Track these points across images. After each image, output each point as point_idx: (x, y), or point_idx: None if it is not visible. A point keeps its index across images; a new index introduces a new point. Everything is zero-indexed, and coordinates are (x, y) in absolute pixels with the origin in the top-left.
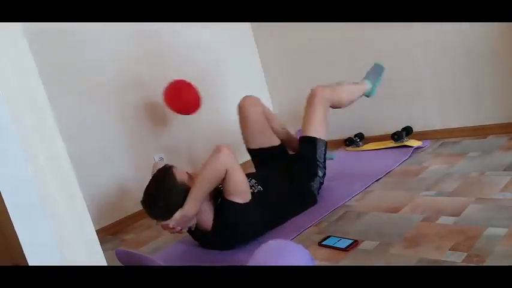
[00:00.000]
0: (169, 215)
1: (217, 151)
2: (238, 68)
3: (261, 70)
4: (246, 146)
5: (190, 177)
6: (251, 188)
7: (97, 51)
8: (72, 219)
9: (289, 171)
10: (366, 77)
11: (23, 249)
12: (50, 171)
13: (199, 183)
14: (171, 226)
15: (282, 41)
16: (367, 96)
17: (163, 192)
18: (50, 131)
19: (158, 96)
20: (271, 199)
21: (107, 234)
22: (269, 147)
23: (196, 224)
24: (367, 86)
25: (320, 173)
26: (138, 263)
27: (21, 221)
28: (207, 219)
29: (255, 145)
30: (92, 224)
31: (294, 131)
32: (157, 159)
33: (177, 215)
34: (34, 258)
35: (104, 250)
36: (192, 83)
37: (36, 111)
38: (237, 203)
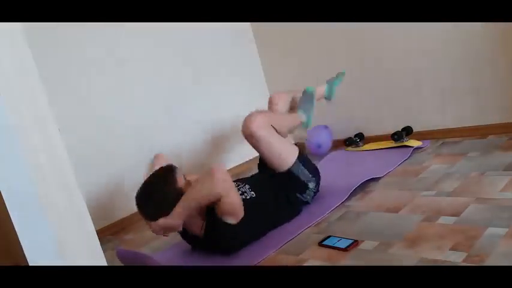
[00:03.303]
0: (156, 217)
1: (211, 175)
2: (238, 68)
3: (261, 70)
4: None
5: (187, 183)
6: (243, 195)
7: (97, 51)
8: (72, 219)
9: (281, 181)
10: (299, 108)
11: (23, 249)
12: (50, 171)
13: (188, 200)
14: (154, 229)
15: (282, 41)
16: (305, 127)
17: (160, 193)
18: (49, 131)
19: (158, 96)
20: (263, 205)
21: (107, 234)
22: None
23: (186, 228)
24: (302, 118)
25: (311, 186)
26: (138, 262)
27: (21, 221)
28: (197, 225)
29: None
30: (92, 224)
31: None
32: None
33: (161, 221)
34: (34, 258)
35: (104, 250)
36: None
37: (36, 111)
38: (229, 224)
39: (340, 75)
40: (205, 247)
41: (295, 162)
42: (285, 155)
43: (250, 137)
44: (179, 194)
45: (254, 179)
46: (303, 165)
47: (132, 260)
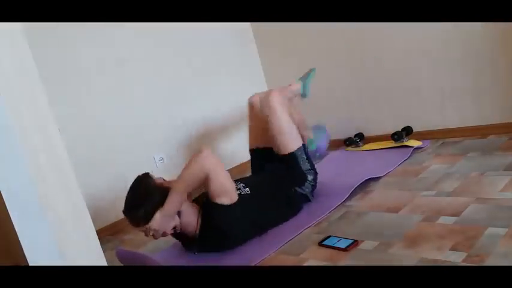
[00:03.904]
0: (149, 217)
1: (198, 153)
2: (238, 68)
3: (261, 70)
4: (249, 146)
5: (166, 182)
6: (238, 191)
7: (97, 51)
8: (72, 219)
9: (279, 176)
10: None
11: (23, 249)
12: (50, 171)
13: (178, 183)
14: (153, 229)
15: (282, 41)
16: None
17: (140, 196)
18: (49, 131)
19: (158, 96)
20: (258, 202)
21: (107, 234)
22: (264, 148)
23: (182, 228)
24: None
25: (310, 178)
26: (138, 262)
27: (21, 221)
28: (192, 222)
29: (253, 144)
30: (92, 224)
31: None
32: (158, 159)
33: (158, 215)
34: (34, 258)
35: (104, 250)
36: None
37: (36, 111)
38: (223, 205)
39: (311, 71)
40: (201, 248)
41: (298, 149)
42: (292, 137)
43: (266, 107)
44: (162, 189)
45: (250, 178)
46: (305, 155)
47: (132, 260)
